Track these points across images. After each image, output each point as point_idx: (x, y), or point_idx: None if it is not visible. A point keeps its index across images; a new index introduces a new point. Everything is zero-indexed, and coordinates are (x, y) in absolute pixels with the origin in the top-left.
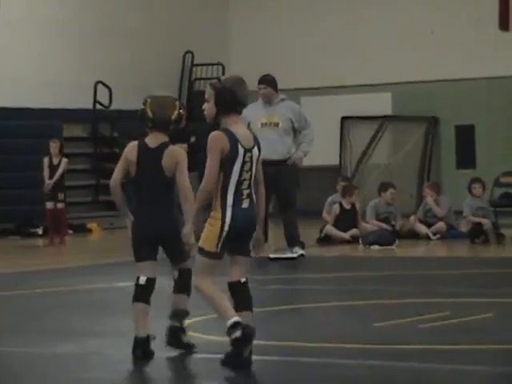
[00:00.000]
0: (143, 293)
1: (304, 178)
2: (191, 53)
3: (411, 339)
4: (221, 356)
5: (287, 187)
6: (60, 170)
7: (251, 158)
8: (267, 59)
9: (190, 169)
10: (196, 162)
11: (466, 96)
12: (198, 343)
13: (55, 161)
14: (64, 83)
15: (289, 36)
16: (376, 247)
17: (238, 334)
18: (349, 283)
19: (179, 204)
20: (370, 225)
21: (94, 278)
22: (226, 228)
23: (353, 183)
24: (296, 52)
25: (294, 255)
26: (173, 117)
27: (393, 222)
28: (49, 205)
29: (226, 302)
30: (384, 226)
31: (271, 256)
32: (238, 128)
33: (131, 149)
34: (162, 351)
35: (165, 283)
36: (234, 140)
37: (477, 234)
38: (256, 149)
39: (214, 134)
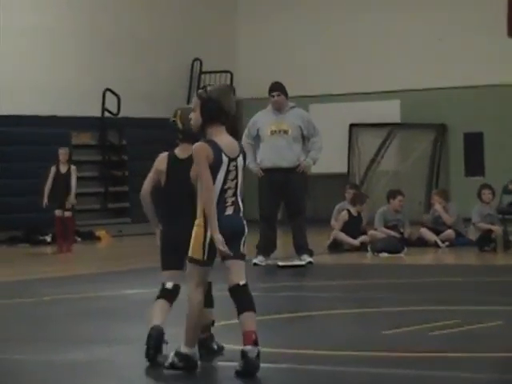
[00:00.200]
0: (167, 294)
1: (312, 186)
2: (199, 60)
3: (420, 347)
4: (235, 365)
5: (296, 195)
6: (74, 181)
7: (236, 166)
8: (275, 67)
9: None
10: None
11: (475, 103)
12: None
13: (63, 169)
14: (73, 91)
15: (297, 44)
16: (384, 255)
17: (180, 364)
18: (357, 291)
19: None
20: (379, 232)
21: (102, 286)
22: (209, 234)
23: (361, 190)
24: (304, 59)
25: (303, 263)
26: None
27: (401, 230)
28: (58, 212)
29: (197, 331)
30: (392, 233)
31: (280, 264)
32: (223, 138)
33: (162, 160)
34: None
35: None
36: (217, 150)
37: (486, 241)
38: (241, 158)
39: (197, 144)
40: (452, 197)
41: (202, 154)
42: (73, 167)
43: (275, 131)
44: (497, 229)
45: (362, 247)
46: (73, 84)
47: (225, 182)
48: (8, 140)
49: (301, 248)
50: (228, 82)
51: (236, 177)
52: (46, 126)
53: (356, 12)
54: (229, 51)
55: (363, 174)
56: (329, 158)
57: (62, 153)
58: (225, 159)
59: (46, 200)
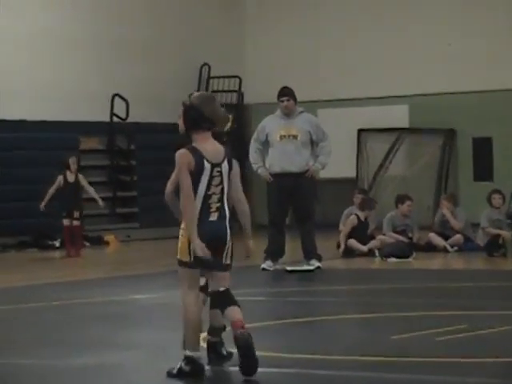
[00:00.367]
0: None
1: (321, 190)
2: (208, 65)
3: (428, 352)
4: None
5: (305, 199)
6: (91, 189)
7: (221, 172)
8: (284, 71)
9: None
10: None
11: (484, 108)
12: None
13: (70, 178)
14: (81, 96)
15: (305, 48)
16: (393, 259)
17: (187, 368)
18: (366, 296)
19: None
20: (387, 237)
21: (110, 290)
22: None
23: (369, 195)
24: (312, 64)
25: (311, 268)
26: (225, 129)
27: (410, 235)
28: (66, 222)
29: (198, 333)
30: (401, 238)
31: (288, 268)
32: (207, 144)
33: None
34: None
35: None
36: (199, 156)
37: (494, 246)
38: (226, 163)
39: (179, 152)
40: (461, 202)
41: (182, 162)
42: (80, 175)
43: (284, 136)
44: (505, 234)
45: (370, 252)
46: (81, 89)
47: (208, 188)
48: (17, 145)
49: (309, 253)
50: (237, 87)
51: (221, 182)
52: (54, 131)
53: (363, 18)
54: (237, 56)
55: (372, 178)
56: (337, 163)
57: (73, 162)
58: (207, 165)
59: (43, 204)
